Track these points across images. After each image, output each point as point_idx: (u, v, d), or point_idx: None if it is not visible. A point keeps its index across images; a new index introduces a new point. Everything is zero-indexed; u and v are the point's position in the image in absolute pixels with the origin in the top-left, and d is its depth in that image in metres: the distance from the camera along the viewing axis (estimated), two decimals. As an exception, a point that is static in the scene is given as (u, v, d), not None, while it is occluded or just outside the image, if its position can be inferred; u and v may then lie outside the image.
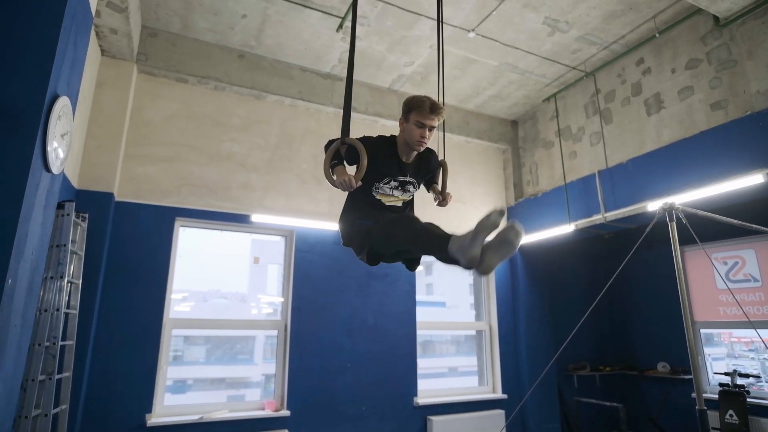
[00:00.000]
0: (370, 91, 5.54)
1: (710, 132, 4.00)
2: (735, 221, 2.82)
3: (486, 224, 1.51)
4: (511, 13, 4.33)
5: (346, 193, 2.00)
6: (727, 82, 4.05)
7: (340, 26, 4.42)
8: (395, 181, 2.09)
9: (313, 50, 4.91)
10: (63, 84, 1.83)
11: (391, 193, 2.11)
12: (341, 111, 5.84)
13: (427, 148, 2.20)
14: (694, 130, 4.19)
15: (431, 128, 2.00)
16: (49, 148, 1.75)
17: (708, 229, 3.68)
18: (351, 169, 1.95)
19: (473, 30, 4.53)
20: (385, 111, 5.55)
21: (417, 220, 1.89)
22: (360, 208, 2.06)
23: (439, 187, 2.38)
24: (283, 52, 4.95)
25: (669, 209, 2.27)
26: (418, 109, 1.97)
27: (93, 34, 3.80)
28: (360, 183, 1.85)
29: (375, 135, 2.13)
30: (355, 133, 2.00)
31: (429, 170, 2.26)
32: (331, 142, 2.02)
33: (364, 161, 1.84)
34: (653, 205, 4.32)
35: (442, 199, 2.27)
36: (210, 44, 4.76)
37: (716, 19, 4.01)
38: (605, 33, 4.64)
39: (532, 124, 6.27)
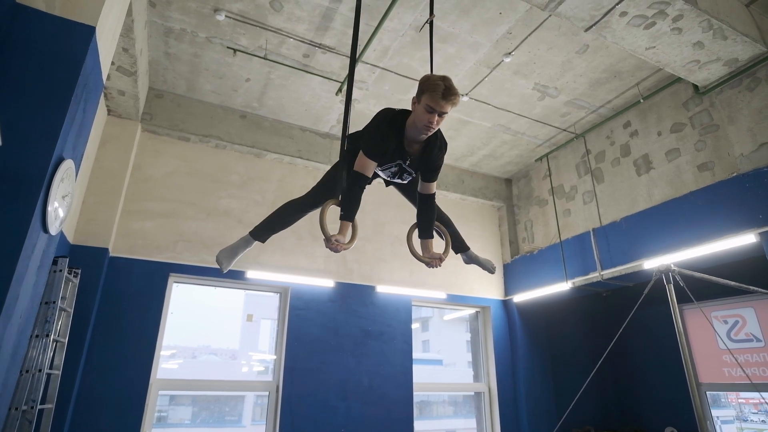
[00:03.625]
0: (367, 150, 5.69)
1: (699, 192, 4.10)
2: (732, 283, 2.82)
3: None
4: (503, 79, 4.57)
5: (339, 252, 1.95)
6: (712, 144, 4.21)
7: (340, 90, 4.62)
8: (395, 166, 2.06)
9: (313, 111, 5.10)
10: (69, 148, 1.88)
11: (390, 179, 2.16)
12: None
13: (438, 134, 2.05)
14: (684, 190, 4.29)
15: (441, 114, 1.85)
16: (49, 209, 1.76)
17: (705, 287, 3.67)
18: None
19: (467, 94, 4.75)
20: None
21: None
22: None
23: (433, 248, 2.20)
24: (284, 113, 5.14)
25: (666, 271, 2.28)
26: (431, 92, 1.80)
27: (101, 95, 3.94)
28: (348, 245, 1.95)
29: (384, 113, 2.00)
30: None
31: (432, 160, 2.05)
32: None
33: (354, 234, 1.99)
34: (649, 264, 4.33)
35: (438, 260, 2.12)
36: (213, 105, 4.94)
37: (696, 87, 4.24)
38: (592, 98, 4.87)
39: (526, 183, 6.41)
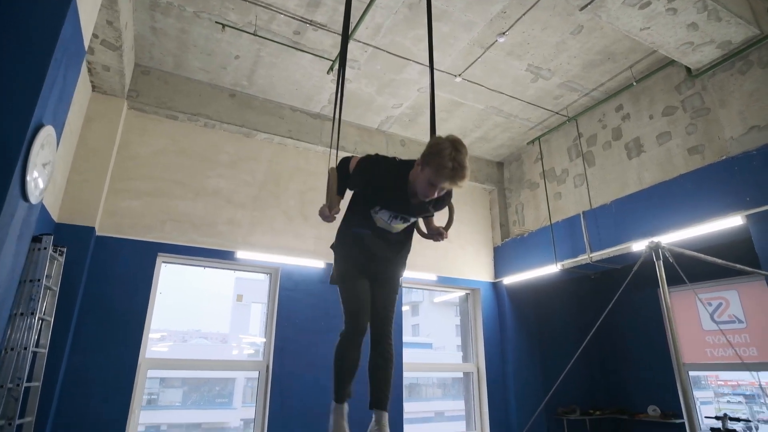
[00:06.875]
0: (358, 131, 5.64)
1: (689, 175, 4.13)
2: (720, 261, 2.86)
3: None
4: (496, 60, 4.52)
5: (334, 226, 2.08)
6: (702, 128, 4.23)
7: (331, 68, 4.54)
8: (395, 215, 2.00)
9: (304, 91, 5.01)
10: (49, 114, 1.81)
11: (388, 222, 2.00)
12: (329, 150, 5.85)
13: None
14: (674, 173, 4.32)
15: (443, 191, 1.80)
16: (28, 177, 1.71)
17: (690, 270, 3.71)
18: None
19: (460, 75, 4.70)
20: (373, 151, 5.62)
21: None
22: (354, 225, 2.06)
23: (437, 224, 2.23)
24: (274, 92, 5.05)
25: (655, 248, 2.29)
26: (436, 170, 1.67)
27: (85, 70, 3.83)
28: (335, 214, 1.99)
29: (391, 158, 1.97)
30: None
31: (436, 208, 2.06)
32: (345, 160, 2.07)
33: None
34: (638, 246, 4.37)
35: (439, 235, 2.12)
36: (202, 83, 4.84)
37: (688, 70, 4.23)
38: (585, 80, 4.85)
39: (518, 166, 6.41)
